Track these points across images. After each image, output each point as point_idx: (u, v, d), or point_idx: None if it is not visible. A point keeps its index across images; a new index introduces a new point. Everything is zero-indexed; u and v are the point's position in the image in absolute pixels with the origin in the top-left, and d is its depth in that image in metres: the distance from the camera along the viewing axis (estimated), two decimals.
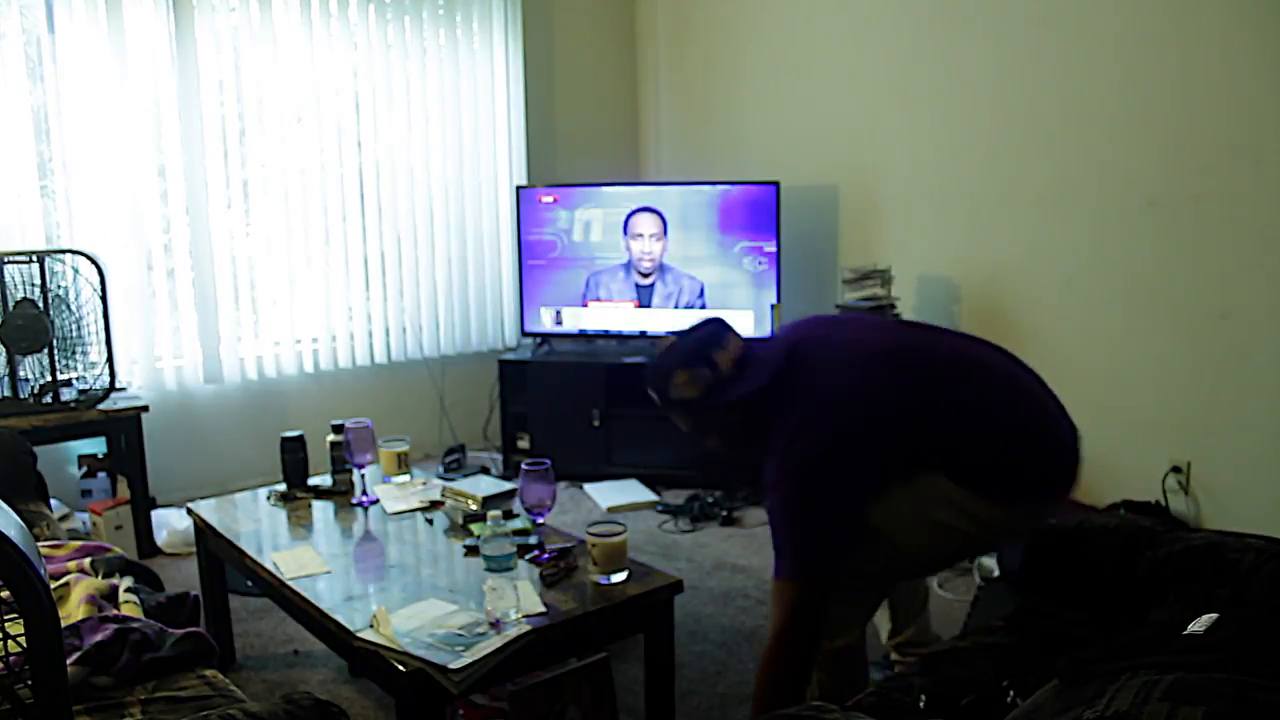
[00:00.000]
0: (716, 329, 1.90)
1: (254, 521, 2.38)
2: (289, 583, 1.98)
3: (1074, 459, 1.86)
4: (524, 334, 4.33)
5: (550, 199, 4.15)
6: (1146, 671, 1.00)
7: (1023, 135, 3.39)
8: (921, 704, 1.47)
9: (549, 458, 2.20)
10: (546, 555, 2.03)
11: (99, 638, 1.62)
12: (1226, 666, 1.02)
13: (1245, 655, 1.07)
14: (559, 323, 4.21)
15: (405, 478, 2.59)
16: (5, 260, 3.05)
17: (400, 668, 1.62)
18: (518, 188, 4.26)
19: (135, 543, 3.26)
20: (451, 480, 2.64)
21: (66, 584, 1.88)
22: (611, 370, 4.02)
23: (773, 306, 3.88)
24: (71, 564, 2.01)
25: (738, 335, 1.90)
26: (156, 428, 3.54)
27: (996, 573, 2.84)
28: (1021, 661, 1.54)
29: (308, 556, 2.11)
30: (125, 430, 3.28)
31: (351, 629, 1.75)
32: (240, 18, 3.79)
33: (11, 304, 3.06)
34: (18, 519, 1.11)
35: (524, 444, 4.17)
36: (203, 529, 2.45)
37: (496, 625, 1.71)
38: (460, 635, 1.68)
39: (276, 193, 3.92)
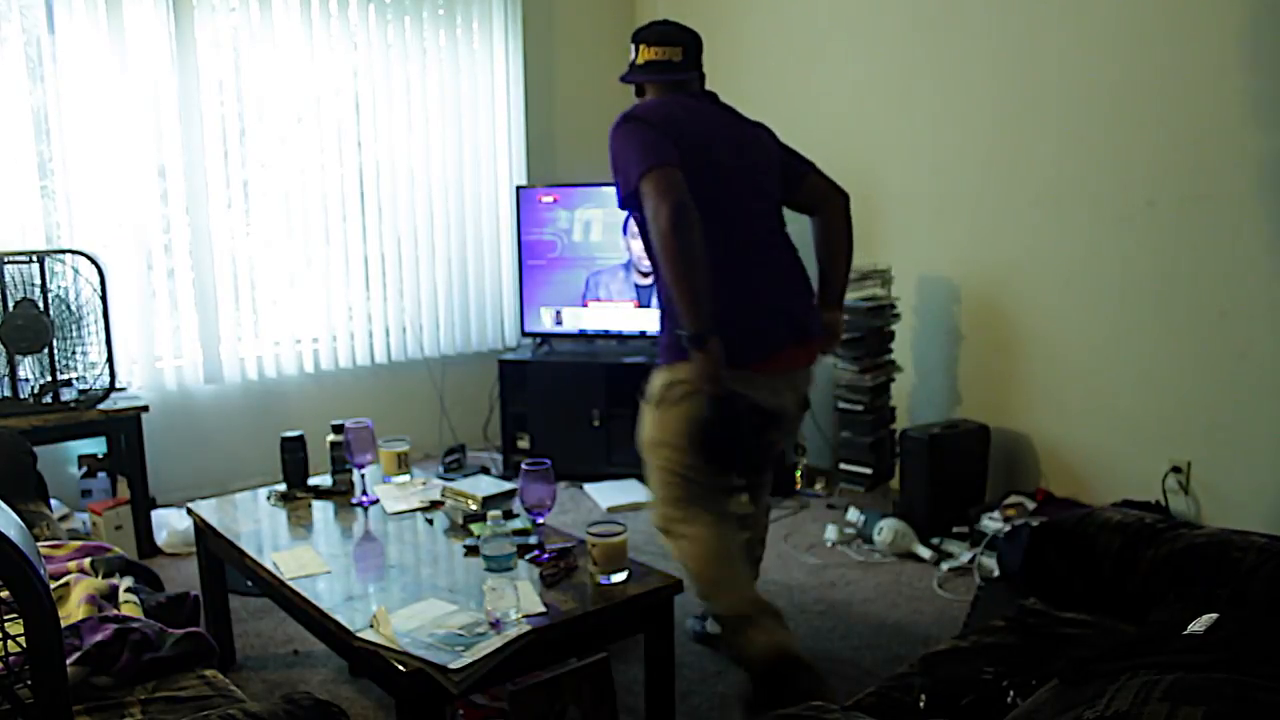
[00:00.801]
0: (678, 33, 2.32)
1: (254, 521, 2.38)
2: (289, 583, 1.98)
3: (784, 338, 2.20)
4: (524, 334, 4.33)
5: (550, 199, 4.15)
6: (1146, 671, 1.00)
7: (1023, 135, 3.39)
8: (921, 704, 1.47)
9: (549, 458, 2.20)
10: (546, 555, 2.03)
11: (99, 638, 1.62)
12: (1226, 666, 1.02)
13: (1245, 655, 1.07)
14: (559, 323, 4.21)
15: (405, 478, 2.59)
16: (5, 260, 3.05)
17: (400, 668, 1.62)
18: (518, 188, 4.26)
19: (135, 543, 3.26)
20: (451, 480, 2.64)
21: (66, 584, 1.87)
22: (611, 370, 4.02)
23: None
24: (71, 564, 2.01)
25: (672, 51, 2.30)
26: (156, 428, 3.54)
27: (996, 573, 2.84)
28: (1021, 661, 1.54)
29: (308, 556, 2.11)
30: (125, 430, 3.28)
31: (351, 629, 1.75)
32: (240, 18, 3.79)
33: (11, 304, 3.06)
34: (18, 519, 1.11)
35: (524, 444, 4.17)
36: (203, 529, 2.45)
37: (496, 625, 1.71)
38: (460, 635, 1.68)
39: (276, 193, 3.92)
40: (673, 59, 2.30)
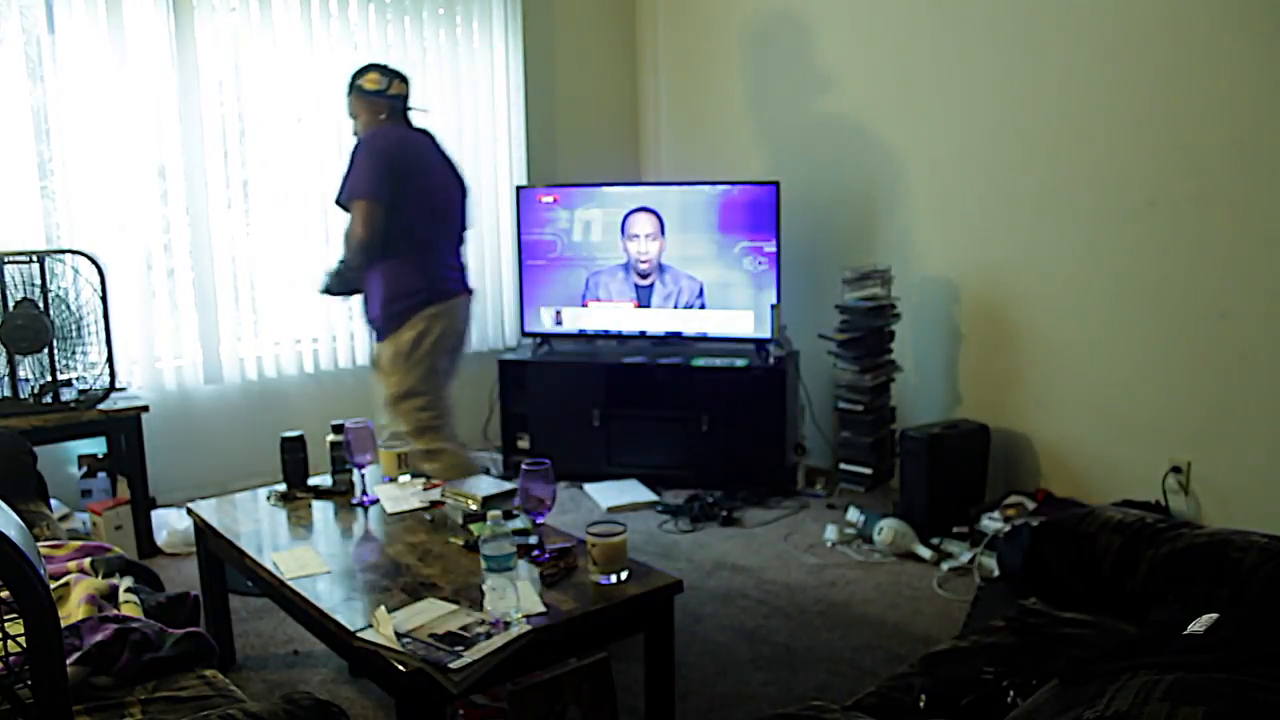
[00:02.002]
0: (390, 79, 3.09)
1: (254, 521, 2.38)
2: (289, 583, 1.98)
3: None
4: (524, 334, 4.33)
5: (550, 199, 4.15)
6: (1146, 671, 1.00)
7: (1023, 135, 3.40)
8: (921, 704, 1.47)
9: (549, 458, 2.20)
10: (546, 555, 2.03)
11: (99, 638, 1.62)
12: (1226, 666, 1.02)
13: (1245, 655, 1.07)
14: (559, 323, 4.21)
15: (405, 478, 2.59)
16: (5, 260, 3.05)
17: (400, 668, 1.62)
18: (518, 188, 4.26)
19: (135, 543, 3.26)
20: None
21: (66, 584, 1.88)
22: (611, 370, 4.02)
23: (773, 307, 3.88)
24: (71, 564, 2.01)
25: (408, 89, 3.13)
26: (156, 428, 3.54)
27: (996, 573, 2.84)
28: (1021, 661, 1.54)
29: (308, 556, 2.11)
30: (125, 430, 3.28)
31: (351, 629, 1.75)
32: (240, 17, 3.79)
33: (11, 304, 3.06)
34: (18, 519, 1.11)
35: (524, 444, 4.17)
36: (203, 529, 2.45)
37: (496, 625, 1.71)
38: (460, 635, 1.69)
39: (276, 193, 3.92)
40: (407, 93, 3.11)
